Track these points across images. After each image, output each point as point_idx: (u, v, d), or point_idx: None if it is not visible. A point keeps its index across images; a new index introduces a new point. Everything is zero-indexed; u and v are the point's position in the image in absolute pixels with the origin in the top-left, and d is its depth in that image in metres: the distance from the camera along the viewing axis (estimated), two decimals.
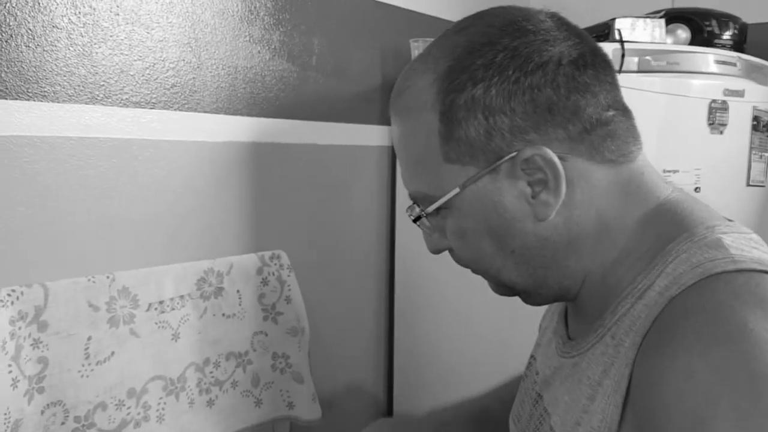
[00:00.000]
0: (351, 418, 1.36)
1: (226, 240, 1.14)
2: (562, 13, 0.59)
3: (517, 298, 0.65)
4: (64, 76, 0.91)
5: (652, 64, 1.17)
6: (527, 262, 0.59)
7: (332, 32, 1.29)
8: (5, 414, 0.82)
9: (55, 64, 0.90)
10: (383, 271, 1.48)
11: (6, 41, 0.85)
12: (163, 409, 1.04)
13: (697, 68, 1.21)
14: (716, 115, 1.22)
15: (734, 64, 1.25)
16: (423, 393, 1.44)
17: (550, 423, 0.61)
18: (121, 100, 0.98)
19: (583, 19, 0.76)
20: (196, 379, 1.09)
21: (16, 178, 0.87)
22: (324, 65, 1.29)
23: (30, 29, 0.87)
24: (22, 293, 0.85)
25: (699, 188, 1.21)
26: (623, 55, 1.13)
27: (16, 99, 0.86)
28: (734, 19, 1.35)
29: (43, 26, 0.88)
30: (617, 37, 1.16)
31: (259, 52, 1.16)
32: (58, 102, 0.90)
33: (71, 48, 0.91)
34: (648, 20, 1.23)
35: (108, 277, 0.95)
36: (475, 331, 1.34)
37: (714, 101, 1.21)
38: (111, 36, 0.96)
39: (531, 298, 0.63)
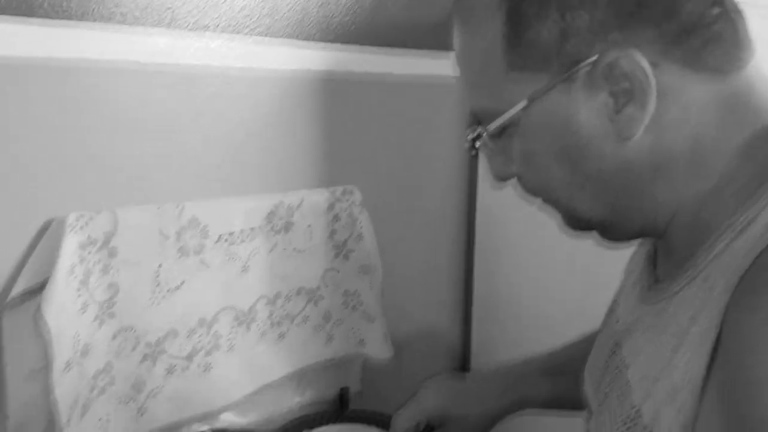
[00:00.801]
0: (423, 363, 1.32)
1: (297, 173, 1.10)
2: None
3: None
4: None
5: None
6: (605, 191, 0.50)
7: None
8: (74, 338, 0.84)
9: None
10: (461, 212, 1.40)
11: None
12: (234, 338, 1.04)
13: None
14: None
15: None
16: (502, 344, 1.37)
17: (627, 376, 0.53)
18: (189, 23, 0.95)
19: None
20: (268, 311, 1.08)
21: (83, 104, 0.86)
22: None
23: None
24: (91, 218, 0.85)
25: None
26: None
27: (82, 20, 0.85)
28: None
29: None
30: None
31: None
32: (126, 23, 0.88)
33: None
34: None
35: (178, 207, 0.95)
36: (564, 281, 1.25)
37: None
38: None
39: (609, 233, 0.54)
